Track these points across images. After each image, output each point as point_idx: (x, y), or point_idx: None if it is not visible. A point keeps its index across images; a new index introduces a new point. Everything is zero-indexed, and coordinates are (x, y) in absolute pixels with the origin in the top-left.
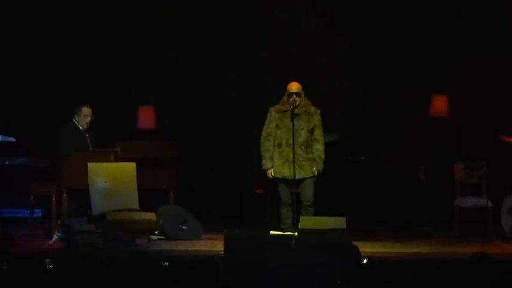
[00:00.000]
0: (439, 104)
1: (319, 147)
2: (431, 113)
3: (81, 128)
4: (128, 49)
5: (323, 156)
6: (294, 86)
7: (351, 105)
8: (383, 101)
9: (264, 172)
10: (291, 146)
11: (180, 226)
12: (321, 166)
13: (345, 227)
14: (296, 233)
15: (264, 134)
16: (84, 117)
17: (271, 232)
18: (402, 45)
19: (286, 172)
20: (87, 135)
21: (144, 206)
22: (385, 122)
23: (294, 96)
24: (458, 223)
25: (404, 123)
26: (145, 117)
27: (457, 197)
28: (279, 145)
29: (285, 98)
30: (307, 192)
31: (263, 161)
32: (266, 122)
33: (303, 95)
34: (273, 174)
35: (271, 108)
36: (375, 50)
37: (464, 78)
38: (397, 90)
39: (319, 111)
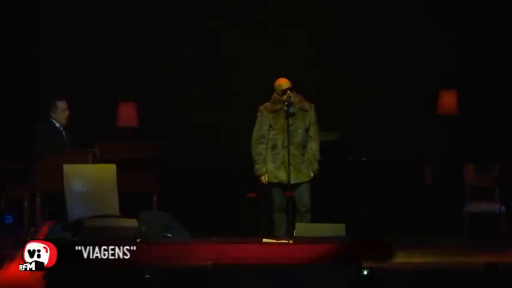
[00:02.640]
0: (448, 100)
1: (313, 146)
2: (439, 110)
3: (58, 125)
4: (109, 41)
5: (318, 156)
6: (286, 81)
7: (351, 104)
8: (386, 98)
9: (257, 177)
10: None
11: (165, 233)
12: (315, 167)
13: (345, 234)
14: (291, 241)
15: (255, 136)
16: (61, 112)
17: (265, 240)
18: (407, 39)
19: (283, 176)
20: (63, 133)
21: (125, 212)
22: (389, 119)
23: (289, 92)
24: (469, 230)
25: (409, 121)
26: (127, 115)
27: (467, 201)
28: (274, 147)
29: (274, 97)
30: (304, 197)
31: (256, 166)
32: (257, 123)
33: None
34: (267, 179)
35: (262, 108)
36: (376, 45)
37: (475, 73)
38: (402, 86)
39: (313, 105)
